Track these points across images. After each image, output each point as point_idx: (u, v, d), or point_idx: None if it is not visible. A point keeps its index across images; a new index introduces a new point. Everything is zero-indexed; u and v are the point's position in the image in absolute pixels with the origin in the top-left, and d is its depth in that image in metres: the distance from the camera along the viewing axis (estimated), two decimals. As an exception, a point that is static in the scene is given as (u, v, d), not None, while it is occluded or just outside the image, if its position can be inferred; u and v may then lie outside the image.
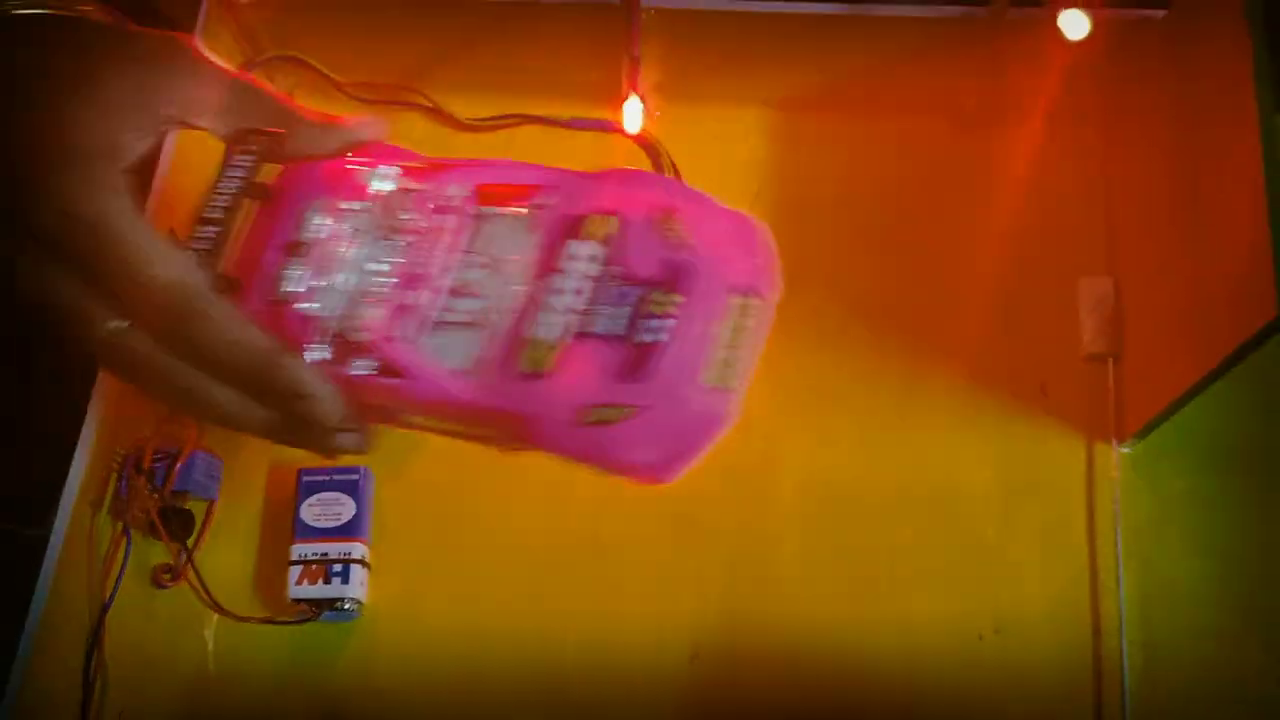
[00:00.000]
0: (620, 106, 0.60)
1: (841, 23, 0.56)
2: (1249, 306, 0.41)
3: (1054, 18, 0.51)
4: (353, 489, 0.52)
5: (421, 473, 0.54)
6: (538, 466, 0.53)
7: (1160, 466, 0.52)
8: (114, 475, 0.50)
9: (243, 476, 0.54)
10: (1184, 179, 0.48)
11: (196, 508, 0.53)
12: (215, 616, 0.51)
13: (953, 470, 0.53)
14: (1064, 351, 0.55)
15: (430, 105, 0.61)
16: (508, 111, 0.61)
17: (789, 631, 0.51)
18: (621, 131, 0.60)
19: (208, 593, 0.50)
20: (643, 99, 0.57)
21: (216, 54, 0.57)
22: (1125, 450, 0.52)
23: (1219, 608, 0.49)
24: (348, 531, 0.51)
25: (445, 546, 0.53)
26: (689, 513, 0.53)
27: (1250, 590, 0.49)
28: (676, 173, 0.59)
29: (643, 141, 0.60)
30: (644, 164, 0.60)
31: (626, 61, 0.54)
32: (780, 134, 0.60)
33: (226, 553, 0.53)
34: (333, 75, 0.61)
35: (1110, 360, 0.53)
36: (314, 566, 0.50)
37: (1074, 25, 0.47)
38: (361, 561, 0.51)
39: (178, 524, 0.51)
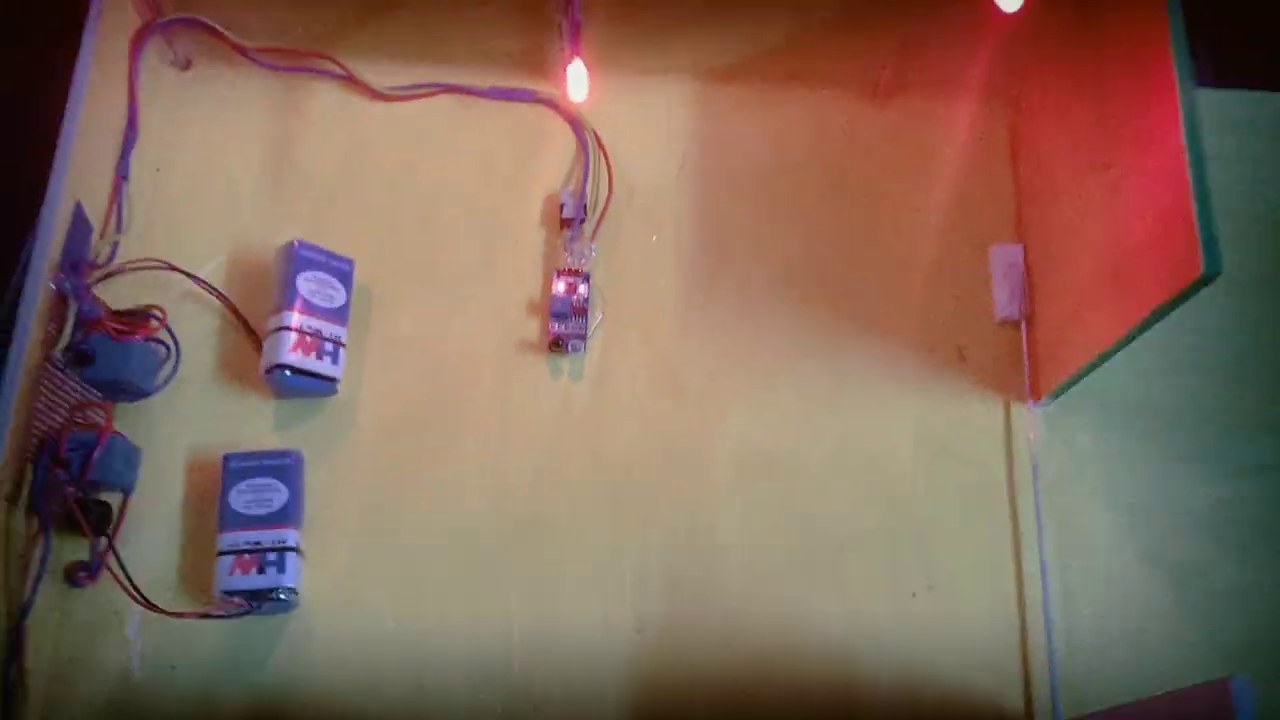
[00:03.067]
0: (543, 76, 0.60)
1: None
2: (1161, 271, 0.43)
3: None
4: (284, 474, 0.52)
5: (353, 455, 0.54)
6: (474, 447, 0.54)
7: (1073, 424, 0.56)
8: (29, 466, 0.47)
9: (161, 463, 0.52)
10: (1095, 149, 0.51)
11: (112, 499, 0.51)
12: (140, 614, 0.49)
13: (879, 435, 0.56)
14: (979, 316, 0.58)
15: (344, 73, 0.60)
16: (425, 80, 0.60)
17: (731, 598, 0.53)
18: (541, 100, 0.60)
19: (134, 588, 0.48)
20: (587, 64, 0.56)
21: (115, 16, 0.54)
22: (1040, 410, 0.56)
23: (1130, 556, 0.53)
24: (280, 519, 0.51)
25: (382, 531, 0.53)
26: (628, 488, 0.55)
27: (1158, 538, 0.54)
28: (599, 144, 0.60)
29: (565, 112, 0.60)
30: (566, 135, 0.60)
31: (567, 25, 0.54)
32: (703, 105, 0.62)
33: (149, 546, 0.51)
34: (237, 39, 0.59)
35: (1022, 324, 0.57)
36: (246, 556, 0.49)
37: None
38: (296, 549, 0.50)
39: (97, 516, 0.49)
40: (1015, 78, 0.61)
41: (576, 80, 0.55)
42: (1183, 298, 0.42)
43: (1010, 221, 0.59)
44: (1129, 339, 0.46)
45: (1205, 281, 0.40)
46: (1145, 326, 0.45)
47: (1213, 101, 0.57)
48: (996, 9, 0.51)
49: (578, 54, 0.54)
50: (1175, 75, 0.44)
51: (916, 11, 0.57)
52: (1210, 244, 0.40)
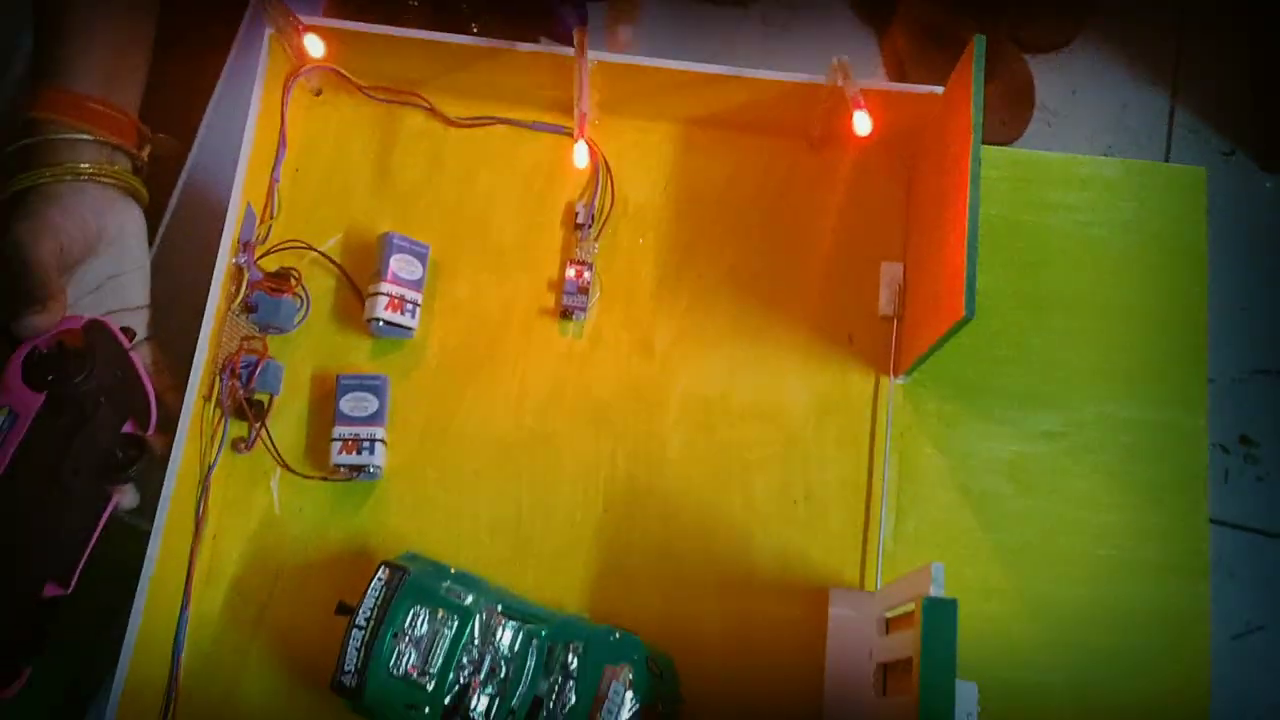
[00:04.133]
0: (571, 117, 0.79)
1: (731, 77, 0.75)
2: (952, 307, 0.62)
3: (869, 86, 0.72)
4: (376, 390, 0.73)
5: (421, 380, 0.76)
6: (503, 381, 0.76)
7: (920, 393, 0.75)
8: (216, 377, 0.72)
9: (296, 379, 0.75)
10: (941, 208, 0.68)
11: (266, 399, 0.74)
12: (280, 473, 0.73)
13: (784, 392, 0.75)
14: (866, 313, 0.76)
15: (428, 106, 0.81)
16: (486, 114, 0.81)
17: (671, 494, 0.73)
18: (568, 133, 0.80)
19: (278, 455, 0.73)
20: (589, 144, 0.75)
21: (274, 65, 0.76)
22: (899, 382, 0.75)
23: (949, 486, 0.73)
24: (373, 420, 0.72)
25: (437, 432, 0.75)
26: (606, 416, 0.75)
27: (971, 476, 0.74)
28: (608, 167, 0.80)
29: (587, 144, 0.81)
30: (587, 165, 0.80)
31: (576, 113, 0.73)
32: (684, 144, 0.80)
33: (287, 431, 0.74)
34: (354, 79, 0.80)
35: (895, 320, 0.75)
36: (350, 442, 0.72)
37: (861, 124, 0.68)
38: (382, 440, 0.73)
39: (255, 409, 0.73)
40: (908, 142, 0.77)
41: (580, 154, 0.72)
42: (952, 333, 0.61)
43: (898, 246, 0.77)
44: (938, 346, 0.65)
45: (964, 322, 0.58)
46: (944, 341, 0.63)
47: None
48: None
49: (582, 136, 0.71)
50: (969, 181, 0.61)
51: (838, 92, 0.75)
52: (970, 295, 0.59)
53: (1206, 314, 0.77)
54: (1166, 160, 1.34)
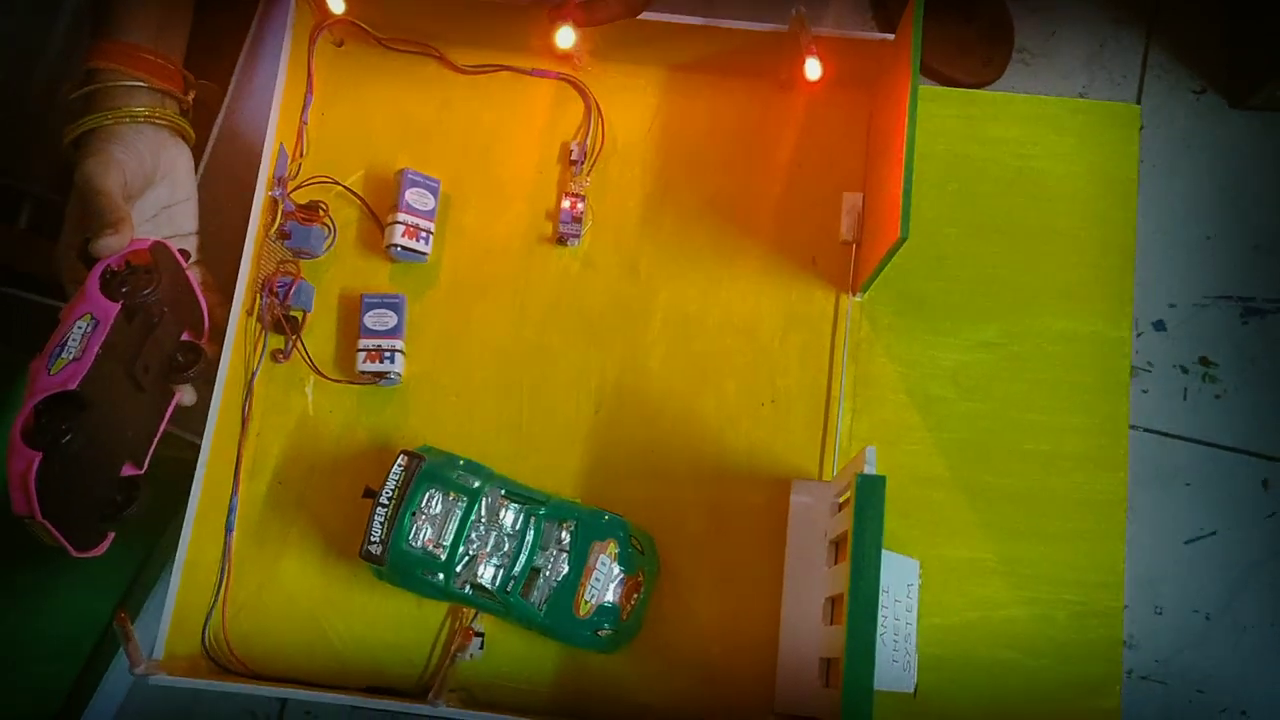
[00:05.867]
0: (567, 64, 0.87)
1: (709, 27, 0.83)
2: (890, 229, 0.71)
3: (830, 34, 0.81)
4: (395, 307, 0.83)
5: (434, 298, 0.85)
6: (506, 299, 0.86)
7: (875, 309, 0.84)
8: (257, 295, 0.82)
9: (326, 298, 0.85)
10: (892, 136, 0.76)
11: (300, 315, 0.84)
12: (314, 379, 0.84)
13: (755, 308, 0.84)
14: (828, 238, 0.85)
15: (439, 55, 0.89)
16: (491, 62, 0.89)
17: (654, 398, 0.83)
18: (564, 79, 0.89)
19: (312, 363, 0.83)
20: (596, 56, 0.84)
21: (300, 20, 0.85)
22: (857, 299, 0.84)
23: (899, 390, 0.82)
24: (393, 333, 0.82)
25: (448, 344, 0.84)
26: (596, 329, 0.84)
27: (918, 382, 0.83)
28: (599, 110, 0.89)
29: (578, 86, 0.90)
30: (578, 102, 0.88)
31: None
32: (667, 88, 0.89)
33: (319, 342, 0.84)
34: (373, 31, 0.89)
35: (855, 245, 0.84)
36: (373, 352, 0.82)
37: (812, 69, 0.77)
38: (401, 351, 0.83)
39: (291, 324, 0.84)
40: (867, 82, 0.85)
41: (564, 36, 0.79)
42: (892, 253, 0.70)
43: (859, 178, 0.85)
44: (883, 264, 0.73)
45: (900, 243, 0.68)
46: (887, 259, 0.72)
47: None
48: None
49: (565, 20, 0.78)
50: (907, 120, 0.69)
51: (802, 37, 0.82)
52: (905, 219, 0.68)
53: (1135, 238, 0.85)
54: (1139, 100, 1.41)
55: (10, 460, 0.62)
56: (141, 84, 0.76)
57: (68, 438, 0.63)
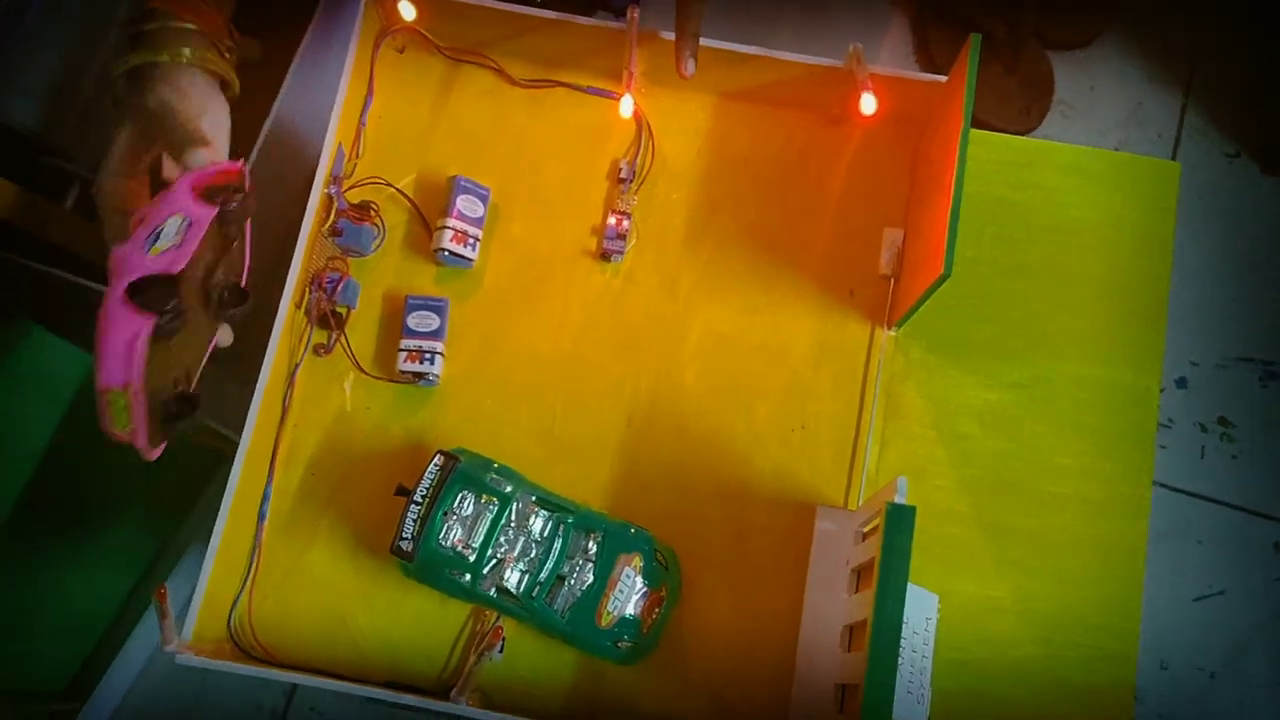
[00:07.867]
0: (620, 84, 0.89)
1: (761, 58, 0.85)
2: (932, 267, 0.73)
3: (882, 72, 0.83)
4: (438, 310, 0.84)
5: (477, 305, 0.87)
6: (547, 310, 0.87)
7: (908, 344, 0.85)
8: (306, 289, 0.84)
9: (371, 296, 0.87)
10: (937, 175, 0.78)
11: (345, 311, 0.86)
12: (353, 374, 0.85)
13: (791, 334, 0.85)
14: (868, 271, 0.86)
15: (496, 67, 0.91)
16: (545, 77, 0.91)
17: (685, 414, 0.84)
18: (617, 98, 0.91)
19: (353, 358, 0.85)
20: (633, 96, 0.86)
21: (367, 24, 0.87)
22: (891, 333, 0.86)
23: (927, 425, 0.84)
24: (435, 335, 0.84)
25: (489, 350, 0.86)
26: (633, 344, 0.85)
27: (941, 416, 0.84)
28: (650, 131, 0.90)
29: (632, 101, 0.91)
30: (630, 123, 0.90)
31: (625, 74, 0.84)
32: (717, 114, 0.90)
33: (361, 338, 0.86)
34: (434, 39, 0.91)
35: (893, 279, 0.86)
36: (414, 353, 0.84)
37: (868, 104, 0.79)
38: (441, 353, 0.84)
39: (336, 319, 0.85)
40: (913, 122, 0.87)
41: (625, 106, 0.84)
42: (934, 288, 0.71)
43: (900, 213, 0.86)
44: (922, 300, 0.75)
45: (943, 279, 0.70)
46: (927, 295, 0.73)
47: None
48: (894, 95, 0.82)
49: (629, 90, 0.83)
50: (957, 161, 0.72)
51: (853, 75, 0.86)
52: (949, 255, 0.69)
53: (1169, 292, 0.86)
54: (1174, 158, 1.43)
55: (111, 328, 0.59)
56: (192, 27, 0.76)
57: (170, 316, 0.61)
